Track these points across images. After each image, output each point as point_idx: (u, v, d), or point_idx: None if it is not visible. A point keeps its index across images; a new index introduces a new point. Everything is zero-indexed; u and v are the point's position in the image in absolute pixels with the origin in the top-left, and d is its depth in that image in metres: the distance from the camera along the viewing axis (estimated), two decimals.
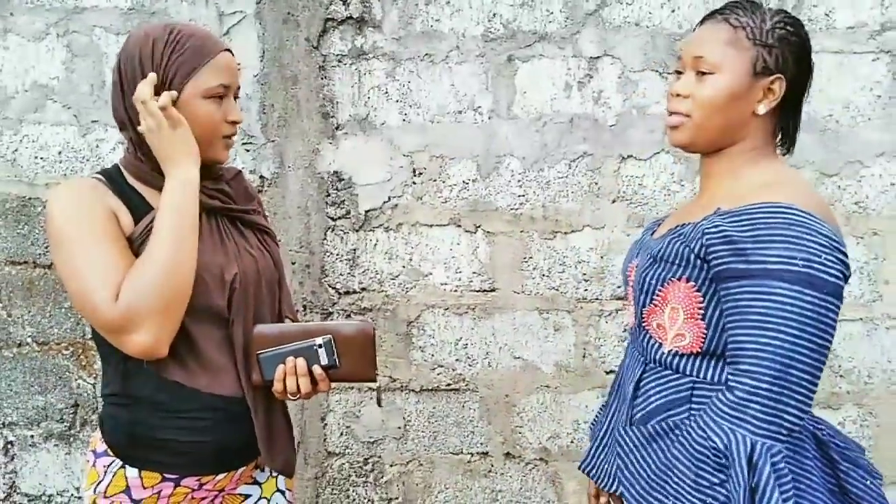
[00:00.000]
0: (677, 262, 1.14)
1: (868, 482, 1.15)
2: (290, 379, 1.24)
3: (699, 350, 1.15)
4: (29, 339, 2.31)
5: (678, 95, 1.19)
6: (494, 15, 2.14)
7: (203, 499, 1.26)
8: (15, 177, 2.25)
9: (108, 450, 1.23)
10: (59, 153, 2.24)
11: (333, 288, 2.23)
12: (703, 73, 1.16)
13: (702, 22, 1.21)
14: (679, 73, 1.22)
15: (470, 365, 2.24)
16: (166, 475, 1.22)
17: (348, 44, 2.18)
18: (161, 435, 1.20)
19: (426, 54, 2.17)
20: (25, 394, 2.32)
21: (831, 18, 2.08)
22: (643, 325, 1.23)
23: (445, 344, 2.24)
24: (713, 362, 1.15)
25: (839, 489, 1.14)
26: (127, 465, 1.21)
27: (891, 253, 2.11)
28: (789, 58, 1.16)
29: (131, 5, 2.19)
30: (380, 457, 2.29)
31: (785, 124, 1.22)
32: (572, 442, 2.24)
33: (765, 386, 1.02)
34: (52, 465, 2.35)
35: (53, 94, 2.22)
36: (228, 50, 1.25)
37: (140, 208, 1.21)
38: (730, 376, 1.06)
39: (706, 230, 1.10)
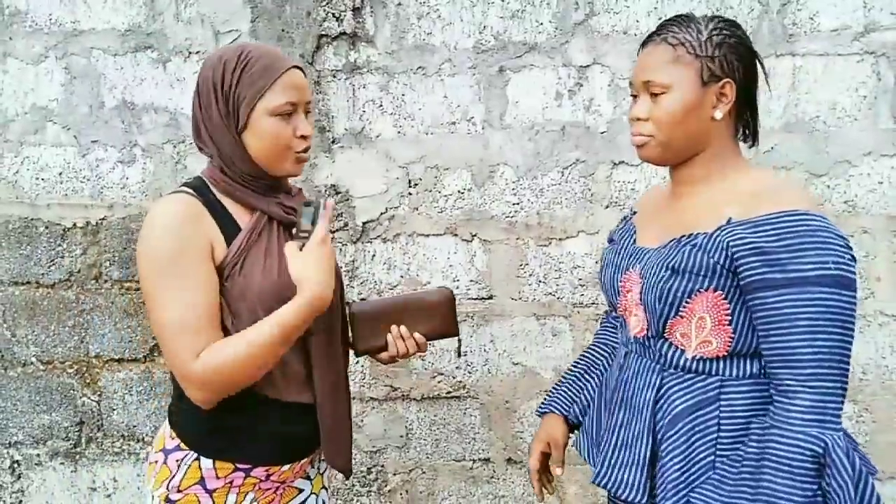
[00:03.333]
0: (702, 273, 1.17)
1: (856, 447, 1.22)
2: (399, 342, 1.42)
3: (725, 353, 1.19)
4: (33, 359, 2.33)
5: (638, 119, 1.25)
6: (485, 27, 2.18)
7: (267, 489, 1.31)
8: (17, 198, 2.29)
9: (181, 444, 1.27)
10: (60, 174, 2.28)
11: None
12: (657, 95, 1.22)
13: (643, 45, 1.27)
14: (634, 96, 1.28)
15: (470, 372, 2.27)
16: (239, 465, 1.27)
17: (342, 59, 2.22)
18: (239, 426, 1.26)
19: (419, 67, 2.20)
20: (31, 413, 2.35)
21: (815, 21, 2.12)
22: (663, 334, 1.24)
23: (445, 352, 2.26)
24: (738, 360, 1.19)
25: None
26: (202, 457, 1.26)
27: (881, 250, 2.14)
28: (733, 60, 1.21)
29: (128, 27, 2.23)
30: (383, 466, 2.31)
31: (744, 122, 1.28)
32: (573, 446, 2.26)
33: (831, 385, 1.08)
34: (58, 484, 2.36)
35: (53, 116, 2.26)
36: (298, 66, 1.30)
37: (230, 229, 1.25)
38: (792, 381, 1.10)
39: (731, 242, 1.14)
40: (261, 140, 1.26)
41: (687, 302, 1.19)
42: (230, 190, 1.28)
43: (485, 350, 2.26)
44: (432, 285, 2.25)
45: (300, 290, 1.21)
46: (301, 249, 1.22)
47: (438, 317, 1.44)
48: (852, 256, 1.12)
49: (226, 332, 1.23)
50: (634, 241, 1.36)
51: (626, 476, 1.29)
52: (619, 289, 1.33)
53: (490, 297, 2.25)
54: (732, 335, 1.18)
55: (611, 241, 1.46)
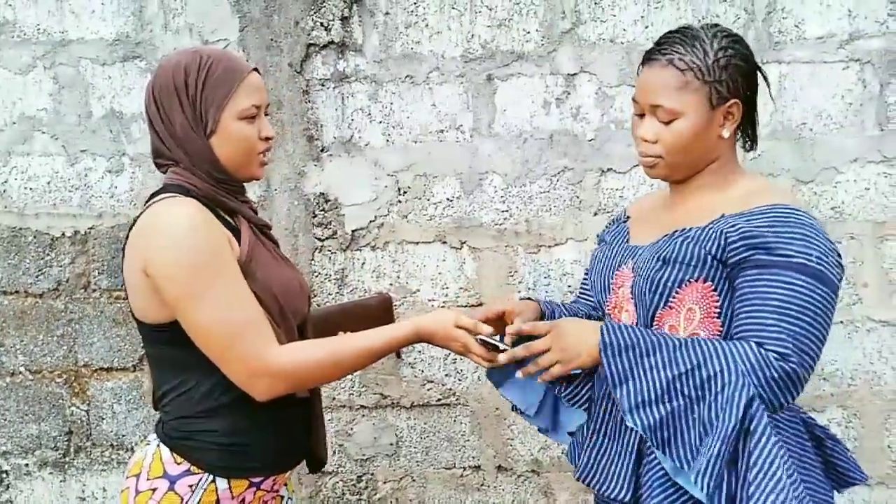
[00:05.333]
0: (693, 263, 1.18)
1: (849, 455, 1.23)
2: None
3: None
4: (22, 368, 2.33)
5: (645, 140, 1.24)
6: (472, 36, 2.19)
7: (266, 502, 1.31)
8: (5, 208, 2.28)
9: (192, 468, 1.22)
10: (48, 183, 2.28)
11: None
12: (666, 119, 1.21)
13: (646, 61, 1.24)
14: (640, 115, 1.26)
15: (459, 379, 2.27)
16: (252, 480, 1.25)
17: (331, 68, 2.22)
18: (257, 438, 1.24)
19: (407, 76, 2.21)
20: (19, 422, 2.34)
21: (801, 29, 2.13)
22: (653, 327, 1.24)
23: (435, 360, 2.26)
24: None
25: (825, 464, 1.22)
26: (217, 478, 1.22)
27: (868, 256, 2.15)
28: (739, 79, 1.22)
29: (116, 36, 2.23)
30: (373, 474, 2.30)
31: (744, 130, 1.29)
32: (563, 453, 2.26)
33: (791, 366, 1.09)
34: (47, 494, 2.36)
35: (41, 126, 2.26)
36: (256, 69, 1.30)
37: (232, 229, 1.25)
38: (754, 342, 1.11)
39: (725, 230, 1.16)
40: (230, 143, 1.25)
41: (677, 292, 1.20)
42: (211, 194, 1.25)
43: None
44: (422, 293, 2.25)
45: (423, 318, 1.27)
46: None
47: (380, 320, 1.45)
48: (838, 262, 1.14)
49: None
50: (628, 240, 1.37)
51: (611, 469, 1.27)
52: (609, 286, 1.34)
53: (479, 305, 2.25)
54: (721, 328, 1.18)
55: (602, 241, 1.47)
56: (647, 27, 2.14)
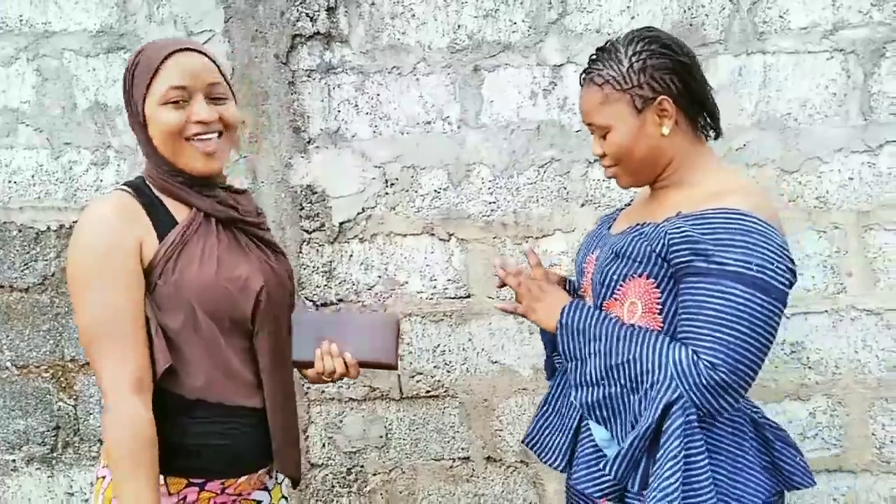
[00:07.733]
0: (638, 259, 1.22)
1: (798, 459, 1.26)
2: (326, 358, 1.35)
3: None
4: (8, 363, 2.31)
5: (598, 156, 1.33)
6: (459, 26, 2.19)
7: (223, 503, 1.27)
8: None
9: None
10: (33, 176, 2.26)
11: (311, 300, 2.26)
12: (603, 134, 1.29)
13: (581, 84, 1.32)
14: (592, 132, 1.35)
15: (448, 371, 2.27)
16: (192, 480, 1.23)
17: (317, 59, 2.22)
18: (189, 441, 1.21)
19: (394, 67, 2.20)
20: (6, 418, 2.32)
21: (786, 19, 2.14)
22: None
23: (423, 351, 2.27)
24: None
25: (773, 466, 1.24)
26: None
27: (852, 246, 2.16)
28: (662, 76, 1.23)
29: (100, 28, 2.21)
30: (362, 466, 2.31)
31: (700, 120, 1.30)
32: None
33: (720, 376, 1.11)
34: (35, 489, 2.34)
35: (25, 118, 2.24)
36: (194, 49, 1.24)
37: (165, 224, 1.22)
38: (692, 349, 1.14)
39: (669, 232, 1.18)
40: (157, 133, 1.22)
41: (621, 285, 1.25)
42: (167, 187, 1.24)
43: (463, 349, 2.26)
44: (410, 285, 2.25)
45: None
46: None
47: (375, 341, 1.35)
48: (787, 268, 1.14)
49: (149, 334, 1.18)
50: (609, 228, 1.43)
51: (553, 441, 1.38)
52: (582, 270, 1.41)
53: (468, 296, 2.25)
54: (662, 325, 1.22)
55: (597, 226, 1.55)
56: (632, 17, 2.15)
